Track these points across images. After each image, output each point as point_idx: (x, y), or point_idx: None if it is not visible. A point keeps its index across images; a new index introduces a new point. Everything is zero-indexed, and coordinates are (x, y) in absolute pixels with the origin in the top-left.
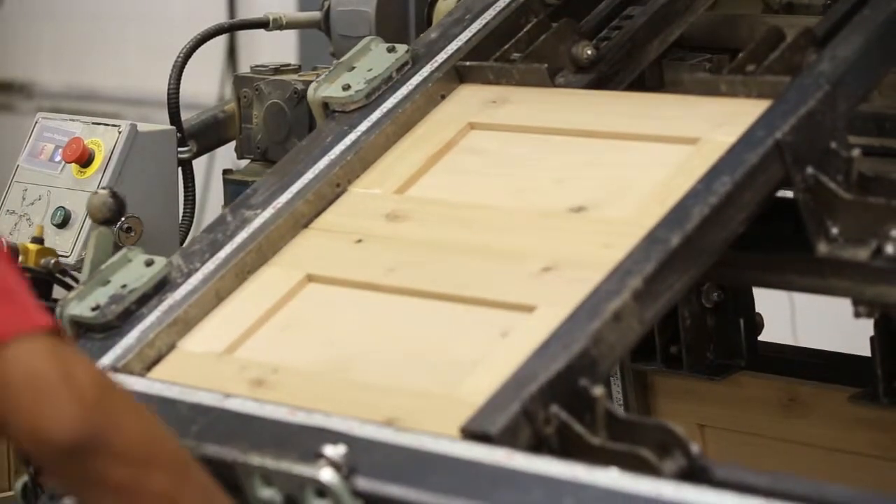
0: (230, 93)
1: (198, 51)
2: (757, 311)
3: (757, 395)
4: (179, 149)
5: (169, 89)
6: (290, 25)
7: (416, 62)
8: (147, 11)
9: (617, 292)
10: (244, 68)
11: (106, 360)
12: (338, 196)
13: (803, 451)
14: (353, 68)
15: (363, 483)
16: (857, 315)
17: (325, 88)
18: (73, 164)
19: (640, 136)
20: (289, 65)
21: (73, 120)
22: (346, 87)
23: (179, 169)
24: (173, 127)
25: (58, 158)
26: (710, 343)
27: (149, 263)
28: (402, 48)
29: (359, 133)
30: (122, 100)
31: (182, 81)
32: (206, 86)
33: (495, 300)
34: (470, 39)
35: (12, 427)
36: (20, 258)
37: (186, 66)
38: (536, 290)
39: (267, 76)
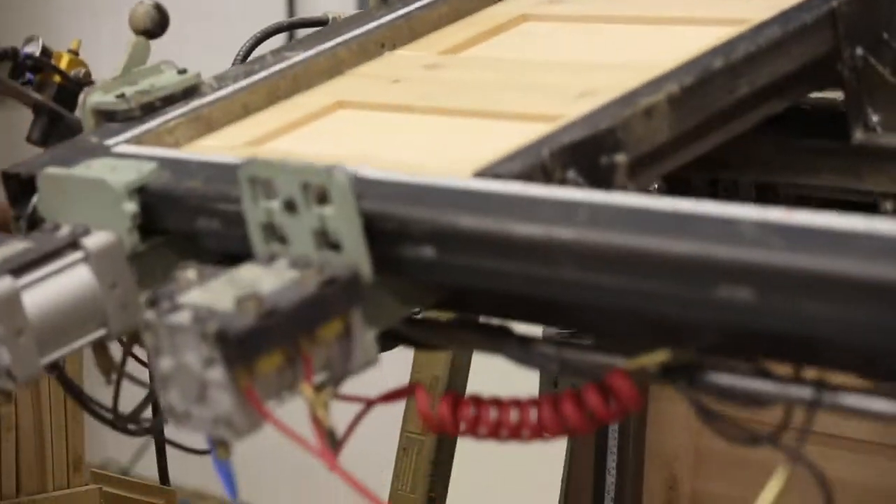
0: None
1: (256, 49)
2: None
3: None
4: None
5: None
6: None
7: None
8: (206, 9)
9: (652, 93)
10: None
11: (121, 137)
12: (381, 55)
13: None
14: None
15: (368, 204)
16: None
17: None
18: None
19: (694, 19)
20: None
21: None
22: None
23: None
24: None
25: None
26: None
27: (181, 72)
28: None
29: (411, 7)
30: None
31: None
32: None
33: (530, 113)
34: None
35: None
36: (52, 61)
37: None
38: (571, 107)
39: None
